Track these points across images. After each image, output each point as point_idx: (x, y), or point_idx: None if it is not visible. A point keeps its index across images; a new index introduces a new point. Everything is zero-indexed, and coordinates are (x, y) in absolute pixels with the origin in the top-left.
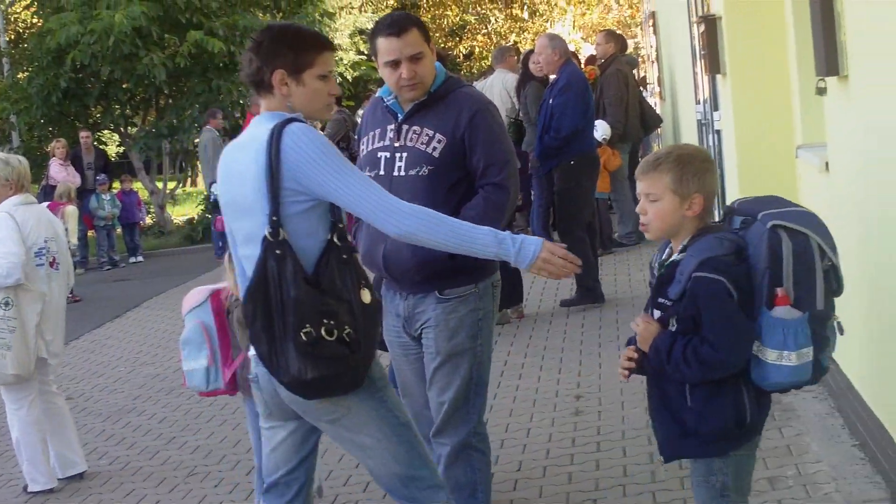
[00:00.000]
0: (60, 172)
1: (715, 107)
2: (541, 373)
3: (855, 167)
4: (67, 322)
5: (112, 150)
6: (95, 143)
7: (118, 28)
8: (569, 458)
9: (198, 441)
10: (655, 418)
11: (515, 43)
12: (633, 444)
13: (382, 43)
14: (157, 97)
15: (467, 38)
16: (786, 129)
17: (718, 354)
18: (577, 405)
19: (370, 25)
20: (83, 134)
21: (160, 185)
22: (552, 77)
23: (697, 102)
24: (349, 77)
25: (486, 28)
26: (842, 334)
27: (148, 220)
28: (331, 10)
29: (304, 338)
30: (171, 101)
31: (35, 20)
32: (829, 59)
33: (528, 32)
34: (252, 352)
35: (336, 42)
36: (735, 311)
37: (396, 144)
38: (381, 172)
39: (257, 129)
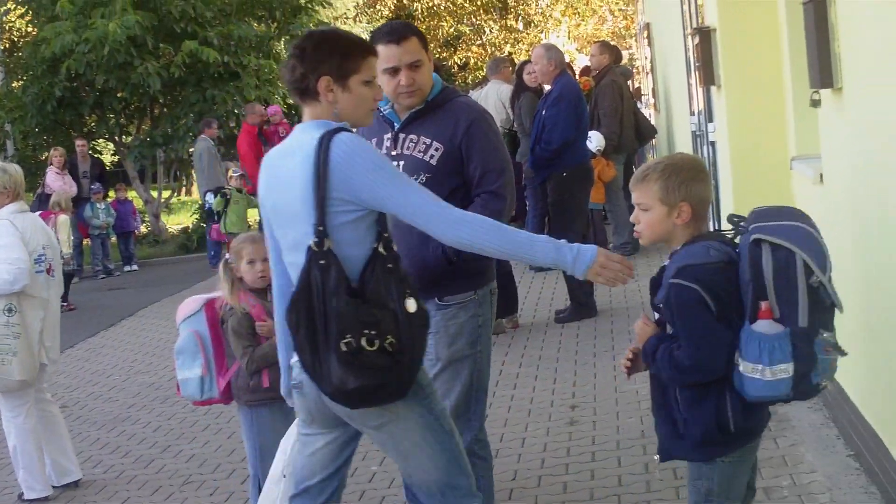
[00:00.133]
0: (56, 181)
1: (709, 118)
2: (535, 382)
3: (849, 179)
4: (62, 330)
5: (107, 158)
6: (90, 152)
7: (113, 37)
8: (564, 468)
9: (193, 450)
10: (655, 416)
11: (510, 54)
12: (628, 454)
13: (382, 50)
14: (151, 106)
15: (462, 48)
16: (780, 141)
17: (688, 361)
18: (571, 415)
19: (364, 36)
20: (79, 142)
21: (155, 194)
22: (546, 87)
23: (692, 114)
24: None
25: (481, 39)
26: (843, 355)
27: (143, 229)
28: (326, 21)
29: (344, 348)
30: (165, 110)
31: (30, 29)
32: (823, 71)
33: (523, 43)
34: (295, 358)
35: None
36: (706, 320)
37: (394, 153)
38: None
39: (303, 137)
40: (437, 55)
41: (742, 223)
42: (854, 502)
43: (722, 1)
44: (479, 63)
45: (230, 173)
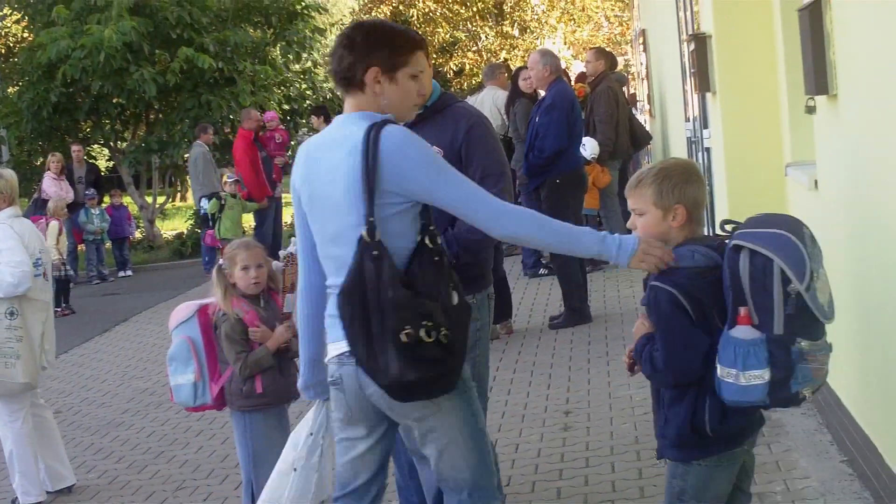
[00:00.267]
0: (52, 186)
1: (704, 124)
2: (529, 388)
3: (844, 185)
4: (57, 336)
5: (102, 164)
6: (86, 158)
7: (108, 43)
8: (557, 474)
9: (186, 455)
10: (654, 415)
11: (506, 60)
12: (622, 460)
13: None
14: (147, 112)
15: (458, 54)
16: (775, 148)
17: (662, 362)
18: (566, 421)
19: None
20: (75, 148)
21: (150, 199)
22: (542, 93)
23: (687, 120)
24: (339, 93)
25: (477, 45)
26: (819, 366)
27: (137, 235)
28: (322, 27)
29: (405, 339)
30: (161, 116)
31: (26, 35)
32: (818, 78)
33: (519, 49)
34: (332, 354)
35: (326, 58)
36: (681, 323)
37: None
38: None
39: (348, 128)
40: (433, 61)
41: (735, 229)
42: None
43: (717, 8)
44: (475, 69)
45: (225, 179)
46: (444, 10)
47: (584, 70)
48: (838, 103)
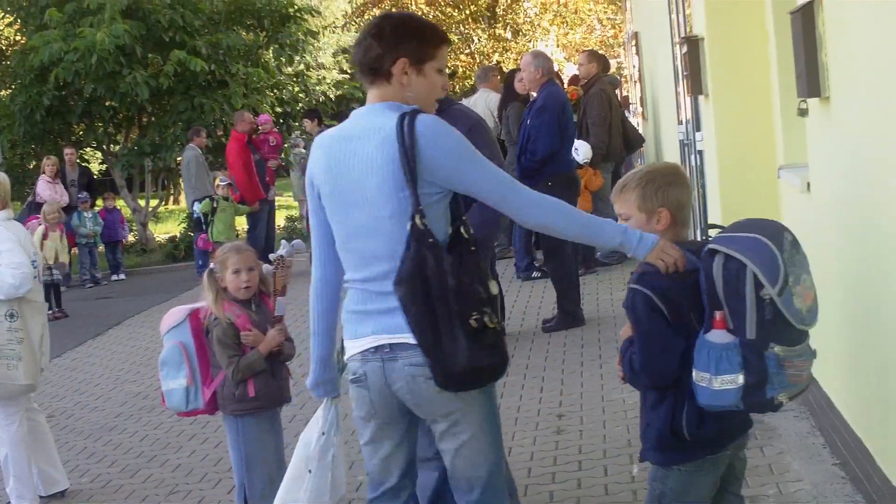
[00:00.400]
0: (47, 190)
1: (697, 127)
2: (522, 391)
3: (836, 187)
4: (50, 339)
5: (94, 167)
6: (78, 161)
7: (101, 46)
8: (550, 477)
9: (179, 459)
10: (641, 416)
11: (499, 62)
12: (615, 463)
13: None
14: (139, 115)
15: (451, 57)
16: (768, 150)
17: (638, 365)
18: (559, 424)
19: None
20: (68, 151)
21: (142, 202)
22: (533, 95)
23: (680, 123)
24: (332, 96)
25: (470, 48)
26: (798, 372)
27: (130, 238)
28: (314, 30)
29: (474, 324)
30: (153, 119)
31: (18, 38)
32: (810, 80)
33: (512, 52)
34: (355, 350)
35: (319, 61)
36: (657, 326)
37: None
38: None
39: (377, 119)
40: None
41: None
42: None
43: (710, 10)
44: (468, 72)
45: (217, 182)
46: (437, 12)
47: (577, 73)
48: (831, 106)
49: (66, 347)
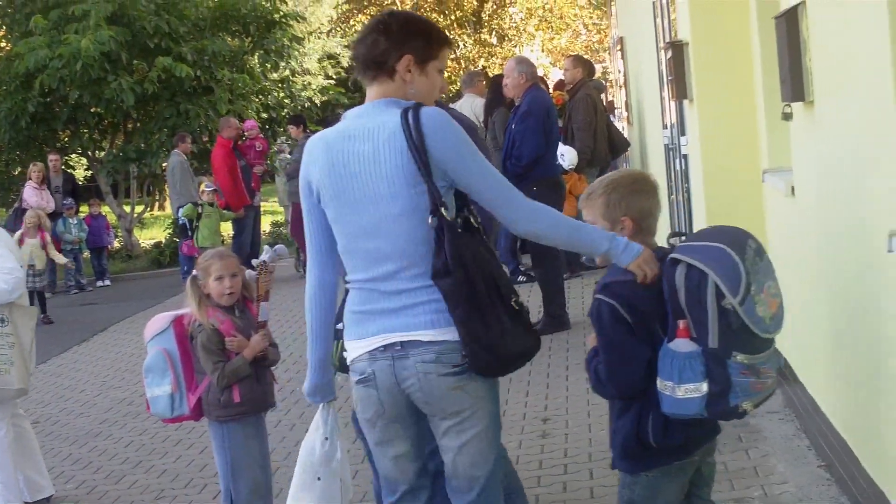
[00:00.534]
0: (34, 196)
1: (682, 131)
2: (508, 395)
3: (820, 191)
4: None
5: (80, 173)
6: (63, 168)
7: (86, 53)
8: (536, 481)
9: (165, 465)
10: (610, 424)
11: (484, 68)
12: (600, 467)
13: None
14: (125, 121)
15: None
16: (752, 154)
17: (605, 375)
18: (544, 428)
19: (339, 50)
20: (52, 157)
21: (128, 209)
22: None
23: (665, 127)
24: (318, 101)
25: (455, 53)
26: (767, 379)
27: (115, 244)
28: (300, 35)
29: (515, 306)
30: (139, 125)
31: (3, 44)
32: (794, 85)
33: (497, 57)
34: (362, 350)
35: (305, 66)
36: (622, 337)
37: None
38: None
39: (381, 116)
40: None
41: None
42: None
43: (694, 15)
44: (454, 77)
45: (202, 188)
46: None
47: (563, 78)
48: (815, 110)
49: (51, 353)
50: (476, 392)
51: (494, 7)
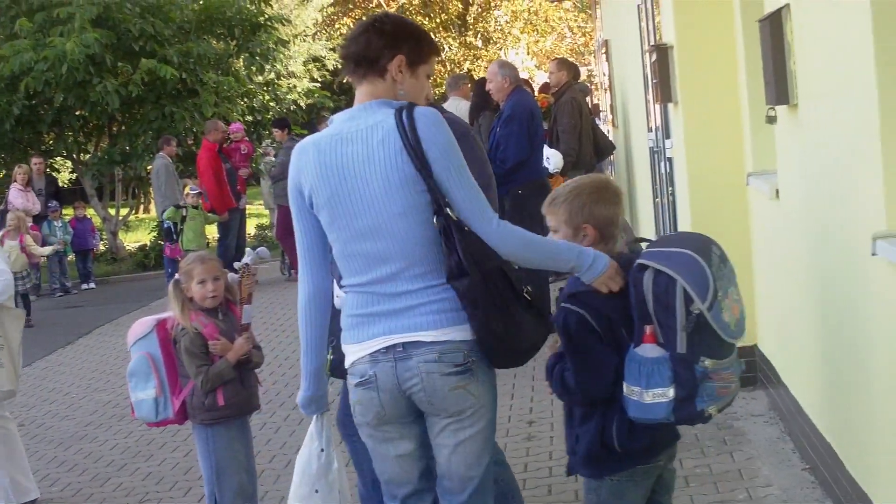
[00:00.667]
0: (19, 198)
1: (667, 134)
2: None
3: (804, 194)
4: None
5: (65, 176)
6: (47, 171)
7: (71, 55)
8: (521, 483)
9: (150, 468)
10: (565, 430)
11: (469, 71)
12: None
13: None
14: (110, 124)
15: None
16: (736, 157)
17: (573, 382)
18: (529, 430)
19: (324, 53)
20: (35, 160)
21: (113, 211)
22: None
23: (650, 130)
24: (303, 104)
25: (441, 56)
26: (727, 384)
27: (100, 247)
28: (285, 38)
29: (528, 296)
30: (124, 127)
31: None
32: (779, 88)
33: (483, 60)
34: (363, 353)
35: (290, 69)
36: (590, 345)
37: None
38: None
39: (371, 117)
40: None
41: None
42: None
43: (679, 19)
44: (439, 80)
45: (186, 190)
46: None
47: (548, 81)
48: (799, 113)
49: (36, 356)
50: (478, 392)
51: (479, 10)
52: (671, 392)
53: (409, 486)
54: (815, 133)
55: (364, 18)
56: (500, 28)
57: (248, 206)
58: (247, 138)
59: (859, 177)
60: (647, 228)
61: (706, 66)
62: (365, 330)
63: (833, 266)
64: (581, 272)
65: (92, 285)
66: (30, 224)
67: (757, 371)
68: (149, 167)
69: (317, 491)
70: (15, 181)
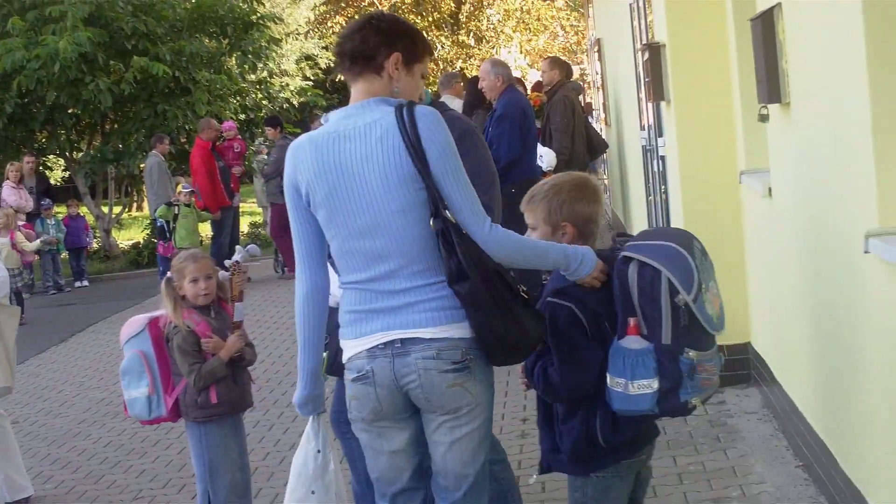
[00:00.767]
0: (12, 195)
1: (659, 133)
2: None
3: (797, 192)
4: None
5: (57, 175)
6: (40, 169)
7: (64, 54)
8: (515, 481)
9: (143, 465)
10: (539, 429)
11: (462, 69)
12: None
13: None
14: (102, 122)
15: None
16: (729, 155)
17: (558, 378)
18: (523, 428)
19: (316, 52)
20: (27, 159)
21: (106, 209)
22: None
23: (642, 128)
24: (295, 103)
25: (433, 54)
26: (708, 377)
27: (94, 245)
28: (277, 37)
29: (525, 295)
30: (116, 126)
31: None
32: (771, 86)
33: (475, 59)
34: (361, 349)
35: (282, 68)
36: (577, 340)
37: None
38: None
39: (370, 114)
40: None
41: (627, 241)
42: None
43: (671, 17)
44: (432, 78)
45: (179, 188)
46: None
47: (541, 79)
48: (791, 111)
49: (29, 354)
50: (475, 390)
51: (472, 9)
52: (656, 383)
53: (400, 484)
54: (808, 131)
55: (357, 17)
56: (492, 27)
57: (241, 204)
58: (239, 136)
59: (852, 175)
60: (640, 227)
61: (698, 65)
62: (363, 326)
63: (826, 263)
64: (570, 272)
65: (85, 283)
66: (23, 222)
67: (750, 368)
68: (142, 165)
69: (313, 492)
70: (8, 178)
